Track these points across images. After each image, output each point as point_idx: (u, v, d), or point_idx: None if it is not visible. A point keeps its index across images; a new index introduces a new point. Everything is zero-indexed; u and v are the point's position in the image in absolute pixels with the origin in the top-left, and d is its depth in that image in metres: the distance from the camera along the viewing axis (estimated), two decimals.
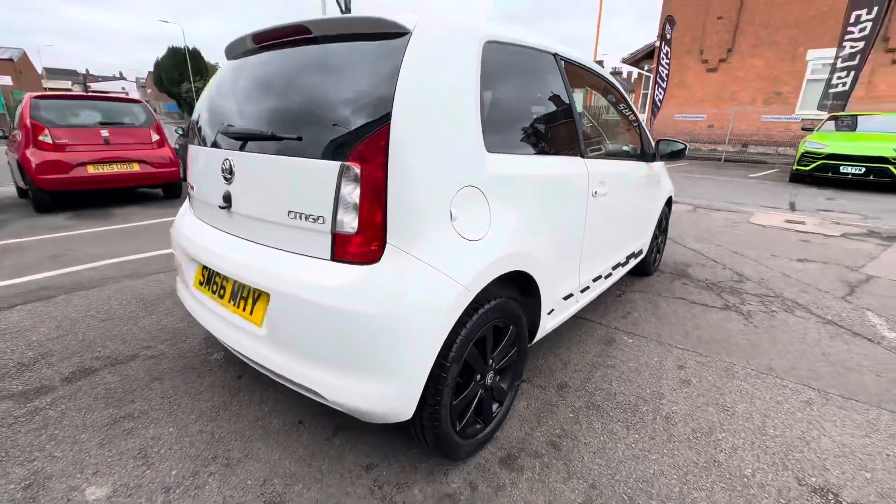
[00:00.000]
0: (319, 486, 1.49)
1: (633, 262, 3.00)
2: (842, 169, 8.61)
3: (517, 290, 1.76)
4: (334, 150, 1.27)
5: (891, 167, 8.16)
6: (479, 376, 1.56)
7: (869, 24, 10.14)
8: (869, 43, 10.36)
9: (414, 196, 1.26)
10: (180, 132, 8.57)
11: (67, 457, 1.59)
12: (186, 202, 2.10)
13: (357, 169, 1.23)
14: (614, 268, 2.62)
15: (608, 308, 3.02)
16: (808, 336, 2.67)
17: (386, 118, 1.21)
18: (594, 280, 2.34)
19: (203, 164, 1.73)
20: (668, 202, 3.63)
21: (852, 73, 10.65)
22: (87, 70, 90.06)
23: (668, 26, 14.17)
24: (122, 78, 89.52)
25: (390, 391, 1.27)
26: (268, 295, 1.42)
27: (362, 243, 1.26)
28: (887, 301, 3.22)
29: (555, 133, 1.91)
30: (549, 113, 1.90)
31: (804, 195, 8.08)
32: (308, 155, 1.32)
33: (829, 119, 10.08)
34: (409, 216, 1.26)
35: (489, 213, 1.46)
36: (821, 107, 11.38)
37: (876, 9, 9.99)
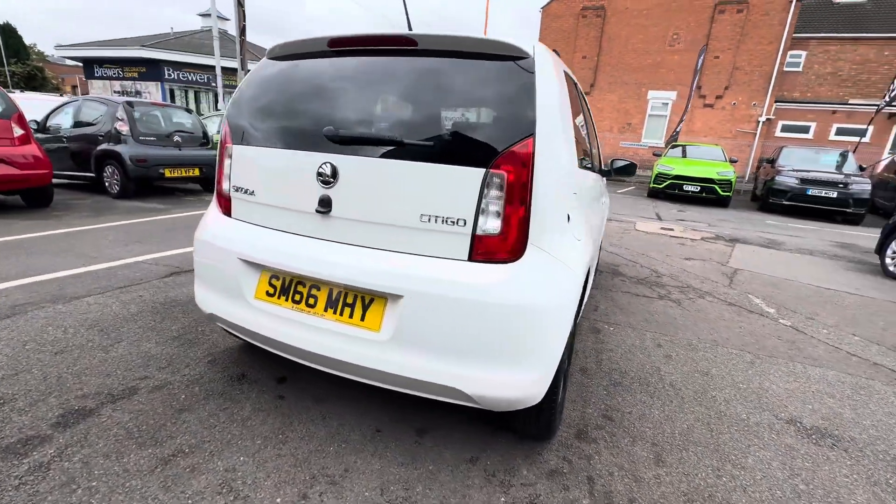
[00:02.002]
0: (439, 485, 1.52)
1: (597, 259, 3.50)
2: (684, 187, 10.86)
3: None
4: (473, 158, 1.37)
5: (715, 186, 10.58)
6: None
7: (693, 85, 13.33)
8: (691, 96, 13.78)
9: (548, 200, 1.42)
10: (34, 126, 6.97)
11: None
12: (213, 207, 1.89)
13: (503, 175, 1.35)
14: (597, 264, 3.05)
15: None
16: (724, 315, 3.44)
17: (530, 131, 1.36)
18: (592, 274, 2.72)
19: (278, 166, 1.62)
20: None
21: (684, 116, 13.65)
22: None
23: None
24: None
25: (534, 377, 1.40)
26: (386, 298, 1.44)
27: (505, 244, 1.38)
28: (755, 286, 4.28)
29: (587, 149, 2.23)
30: (585, 132, 2.21)
31: (662, 208, 9.98)
32: (437, 161, 1.39)
33: (671, 147, 12.64)
34: (545, 218, 1.42)
35: (583, 216, 1.69)
36: (667, 139, 14.25)
37: (696, 76, 13.18)
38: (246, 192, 1.73)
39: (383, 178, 1.45)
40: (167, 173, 6.66)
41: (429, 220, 1.40)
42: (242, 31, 11.37)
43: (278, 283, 1.63)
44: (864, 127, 14.05)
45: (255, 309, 1.65)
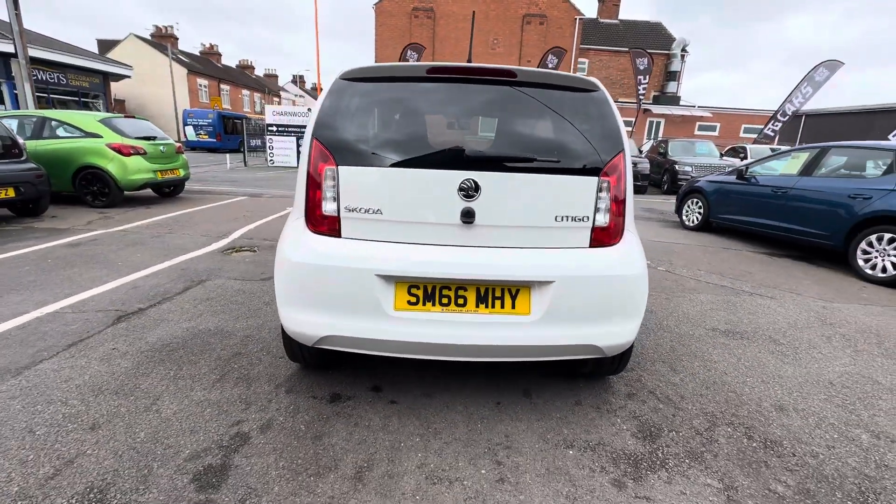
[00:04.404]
0: (575, 425, 1.95)
1: None
2: None
3: None
4: (586, 169, 1.81)
5: None
6: None
7: None
8: None
9: (629, 195, 1.95)
10: None
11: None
12: (304, 231, 1.85)
13: (608, 181, 1.83)
14: None
15: None
16: None
17: (620, 147, 1.87)
18: None
19: (413, 185, 1.76)
20: None
21: None
22: None
23: (410, 52, 16.77)
24: None
25: (637, 324, 1.93)
26: (531, 286, 1.78)
27: (613, 231, 1.87)
28: None
29: None
30: None
31: None
32: (560, 173, 1.79)
33: None
34: (629, 209, 1.95)
35: None
36: None
37: None
38: (368, 211, 1.79)
39: (521, 188, 1.77)
40: None
41: (562, 219, 1.79)
42: (16, 2, 8.71)
43: (419, 292, 1.78)
44: (633, 119, 18.70)
45: (397, 319, 1.77)
